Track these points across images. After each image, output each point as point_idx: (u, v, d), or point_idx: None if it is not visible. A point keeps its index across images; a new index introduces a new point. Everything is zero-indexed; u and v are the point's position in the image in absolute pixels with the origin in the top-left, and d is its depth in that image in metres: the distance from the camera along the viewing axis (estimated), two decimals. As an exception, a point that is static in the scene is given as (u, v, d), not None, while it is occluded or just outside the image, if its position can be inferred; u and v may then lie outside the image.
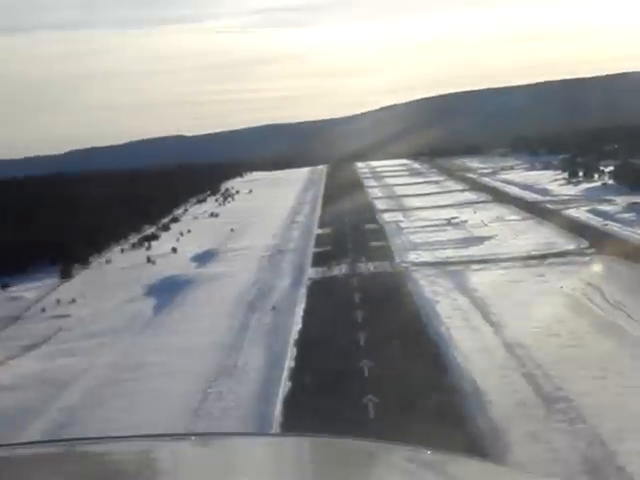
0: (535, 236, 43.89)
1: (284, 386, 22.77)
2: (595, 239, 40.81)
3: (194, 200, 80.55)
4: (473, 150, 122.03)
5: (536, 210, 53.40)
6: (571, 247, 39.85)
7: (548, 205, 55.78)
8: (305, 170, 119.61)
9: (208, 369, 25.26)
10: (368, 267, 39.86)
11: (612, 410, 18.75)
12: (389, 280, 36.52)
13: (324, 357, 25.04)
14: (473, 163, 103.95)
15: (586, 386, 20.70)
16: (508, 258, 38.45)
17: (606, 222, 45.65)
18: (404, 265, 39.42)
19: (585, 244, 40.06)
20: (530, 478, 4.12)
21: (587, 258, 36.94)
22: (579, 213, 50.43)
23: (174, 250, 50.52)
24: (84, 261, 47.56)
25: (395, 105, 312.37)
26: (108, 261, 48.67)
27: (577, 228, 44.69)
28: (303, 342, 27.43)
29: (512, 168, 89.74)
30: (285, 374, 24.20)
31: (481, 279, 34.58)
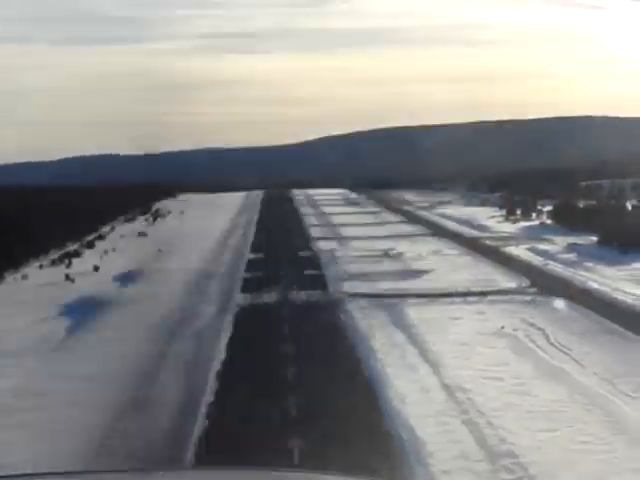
0: (474, 272, 42.27)
1: (200, 424, 20.49)
2: (536, 278, 39.36)
3: (122, 219, 77.70)
4: (410, 184, 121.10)
5: (474, 246, 51.96)
6: (512, 285, 38.26)
7: (487, 242, 54.42)
8: (240, 195, 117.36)
9: (115, 401, 22.84)
10: (300, 296, 37.76)
11: (564, 470, 16.88)
12: (321, 310, 34.45)
13: (243, 400, 22.79)
14: (410, 196, 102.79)
15: (532, 440, 18.84)
16: (447, 293, 36.70)
17: (547, 262, 44.30)
18: (338, 296, 37.39)
19: (526, 283, 38.52)
20: None
21: (528, 298, 35.34)
22: (519, 251, 49.07)
23: (96, 268, 47.83)
24: (-2, 276, 44.63)
25: (331, 137, 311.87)
26: (24, 277, 45.76)
27: (517, 266, 43.24)
28: (224, 376, 25.16)
29: (450, 203, 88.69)
30: (203, 411, 21.94)
31: (419, 314, 32.69)
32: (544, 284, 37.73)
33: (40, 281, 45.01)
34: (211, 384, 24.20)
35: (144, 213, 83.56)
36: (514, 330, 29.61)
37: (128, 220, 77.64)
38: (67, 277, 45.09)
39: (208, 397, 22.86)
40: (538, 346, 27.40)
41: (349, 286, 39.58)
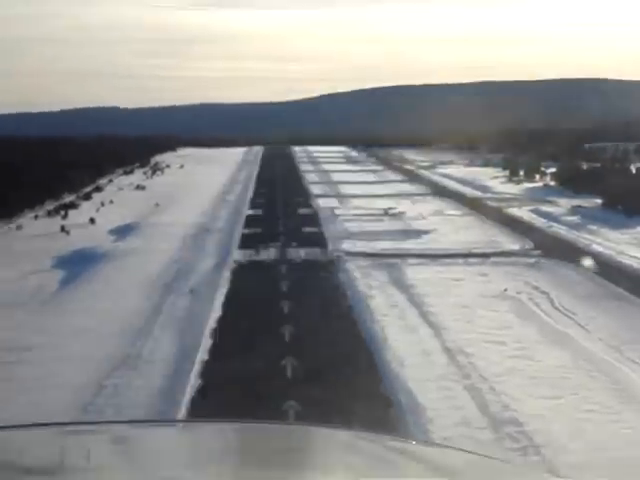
0: (476, 233, 41.50)
1: (190, 391, 19.82)
2: (540, 241, 38.57)
3: (120, 171, 76.71)
4: (412, 143, 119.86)
5: (477, 206, 51.11)
6: (515, 247, 37.49)
7: (489, 202, 53.55)
8: (240, 150, 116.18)
9: (107, 356, 22.15)
10: (299, 253, 37.03)
11: (570, 439, 16.20)
12: (320, 269, 33.74)
13: (241, 358, 22.11)
14: (411, 155, 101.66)
15: (536, 407, 18.16)
16: (448, 254, 35.93)
17: (550, 224, 43.51)
18: (337, 254, 36.64)
19: (530, 245, 37.76)
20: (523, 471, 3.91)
21: (532, 260, 34.56)
22: (522, 212, 48.24)
23: (92, 221, 47.05)
24: (-10, 226, 43.86)
25: (334, 94, 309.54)
26: (18, 227, 44.98)
27: (520, 228, 42.43)
28: (220, 332, 24.47)
29: (452, 162, 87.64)
30: (196, 368, 21.27)
31: (419, 275, 31.96)
32: (548, 246, 36.96)
33: (35, 232, 44.24)
34: (205, 343, 23.54)
35: (143, 166, 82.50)
36: (517, 293, 28.88)
37: (126, 173, 76.64)
38: (62, 229, 44.31)
39: (202, 355, 22.24)
40: (542, 310, 26.68)
41: (348, 245, 38.82)
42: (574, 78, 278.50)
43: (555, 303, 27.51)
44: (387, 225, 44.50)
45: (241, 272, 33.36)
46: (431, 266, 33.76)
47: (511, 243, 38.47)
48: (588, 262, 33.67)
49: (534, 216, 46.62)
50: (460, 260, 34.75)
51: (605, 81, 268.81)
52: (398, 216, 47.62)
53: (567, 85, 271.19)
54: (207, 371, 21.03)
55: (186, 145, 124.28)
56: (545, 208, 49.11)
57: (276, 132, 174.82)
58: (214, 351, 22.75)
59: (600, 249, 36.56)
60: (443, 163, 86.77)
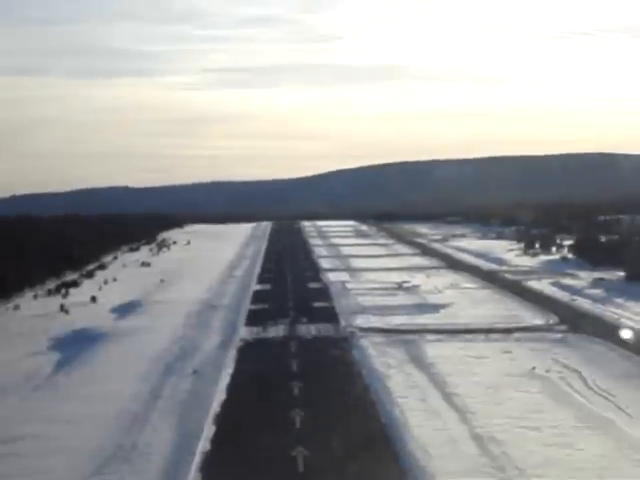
0: (496, 307, 39.35)
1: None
2: (565, 315, 36.38)
3: (126, 248, 74.98)
4: (422, 217, 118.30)
5: (494, 279, 49.02)
6: (539, 322, 35.31)
7: (506, 275, 51.45)
8: (249, 226, 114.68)
9: (99, 448, 19.98)
10: (309, 330, 34.90)
11: None
12: (333, 346, 31.56)
13: (247, 449, 19.89)
14: (422, 229, 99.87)
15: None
16: (468, 329, 33.78)
17: (574, 297, 41.34)
18: (350, 330, 34.52)
19: (554, 319, 35.56)
20: None
21: (559, 335, 32.39)
22: (542, 285, 46.06)
23: (93, 299, 45.05)
24: (-13, 306, 41.91)
25: (342, 170, 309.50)
26: (16, 307, 42.97)
27: (543, 301, 40.25)
28: (223, 420, 22.25)
29: (464, 236, 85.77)
30: (197, 459, 19.07)
31: (439, 352, 29.81)
32: (574, 321, 34.78)
33: (33, 312, 42.20)
34: (207, 432, 21.36)
35: (149, 243, 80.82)
36: (547, 371, 26.69)
37: (132, 250, 74.91)
38: (62, 308, 42.34)
39: (203, 445, 20.05)
40: (575, 390, 24.45)
41: (362, 320, 36.69)
42: (583, 152, 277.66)
43: (589, 382, 25.28)
44: (402, 299, 42.38)
45: (248, 351, 31.20)
46: (451, 342, 31.59)
47: (534, 318, 36.28)
48: (619, 337, 31.51)
49: (555, 289, 44.46)
50: (481, 336, 32.58)
51: (614, 155, 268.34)
52: (412, 290, 45.52)
53: (576, 159, 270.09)
54: (208, 465, 18.85)
55: (194, 222, 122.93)
56: (566, 281, 46.97)
57: (285, 208, 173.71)
58: (217, 441, 20.56)
59: (630, 323, 34.37)
60: (455, 236, 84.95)
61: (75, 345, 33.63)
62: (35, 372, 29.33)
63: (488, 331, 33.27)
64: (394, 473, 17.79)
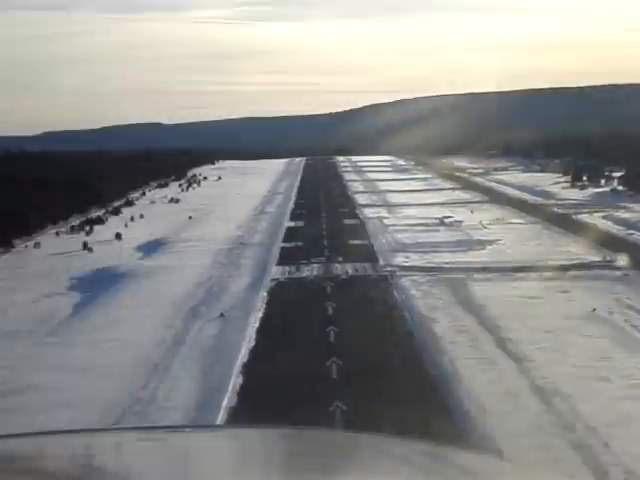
0: (547, 243, 36.57)
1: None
2: (623, 251, 33.48)
3: (155, 184, 72.65)
4: (461, 150, 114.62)
5: (542, 214, 46.09)
6: (595, 258, 32.51)
7: (555, 209, 48.49)
8: (282, 161, 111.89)
9: (113, 402, 17.74)
10: (345, 269, 32.41)
11: None
12: (371, 287, 29.08)
13: (277, 408, 17.49)
14: (462, 163, 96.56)
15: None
16: (519, 267, 31.07)
17: (630, 231, 38.44)
18: (389, 269, 31.97)
19: (612, 256, 32.71)
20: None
21: (619, 273, 29.64)
22: (594, 220, 43.11)
23: (118, 236, 42.85)
24: (6, 244, 39.74)
25: (378, 104, 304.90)
26: (36, 245, 40.88)
27: (596, 236, 37.37)
28: (252, 369, 19.91)
29: (506, 169, 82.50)
30: (222, 416, 16.81)
31: (488, 292, 27.19)
32: (634, 257, 31.89)
33: (54, 250, 40.10)
34: (234, 384, 19.06)
35: (178, 179, 78.41)
36: (609, 313, 24.04)
37: (160, 186, 72.54)
38: (85, 246, 40.19)
39: (230, 400, 17.74)
40: (646, 335, 21.84)
41: (402, 258, 34.09)
42: (623, 83, 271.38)
43: (660, 325, 22.67)
44: (444, 236, 39.68)
45: (279, 292, 28.80)
46: (501, 282, 28.94)
47: (589, 254, 33.48)
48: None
49: (609, 223, 41.52)
50: (534, 274, 29.87)
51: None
52: (455, 225, 42.78)
53: (616, 90, 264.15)
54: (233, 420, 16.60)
55: (226, 158, 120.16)
56: (619, 214, 43.96)
57: (319, 143, 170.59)
58: (244, 396, 18.26)
59: (697, 258, 31.54)
60: (497, 169, 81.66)
61: (96, 285, 31.45)
62: (51, 315, 27.18)
63: (541, 269, 30.54)
64: (448, 433, 15.32)
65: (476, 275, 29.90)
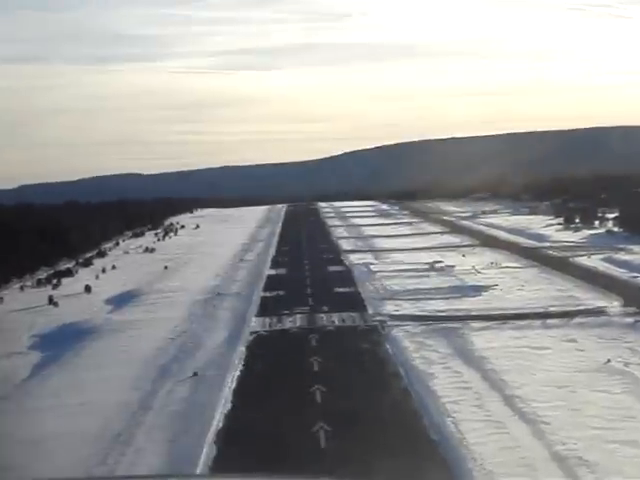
0: (547, 287, 34.15)
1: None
2: (631, 295, 31.10)
3: (130, 234, 69.98)
4: (445, 194, 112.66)
5: (537, 257, 43.80)
6: (601, 304, 30.03)
7: (550, 252, 46.14)
8: (263, 208, 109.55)
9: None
10: (331, 319, 29.88)
11: None
12: (360, 338, 26.54)
13: None
14: (448, 207, 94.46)
15: None
16: (519, 314, 28.63)
17: (634, 274, 36.07)
18: (379, 318, 29.45)
19: (619, 301, 30.31)
20: None
21: (630, 320, 27.18)
22: (593, 262, 40.76)
23: (87, 289, 40.16)
24: (-33, 299, 37.07)
25: (358, 150, 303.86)
26: (-1, 300, 38.09)
27: (598, 280, 35.06)
28: (226, 439, 17.26)
29: (494, 212, 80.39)
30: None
31: (489, 343, 24.73)
32: (643, 302, 29.49)
33: (17, 305, 37.35)
34: (207, 453, 16.44)
35: (155, 228, 75.80)
36: (625, 365, 21.62)
37: (135, 235, 69.85)
38: (50, 300, 37.43)
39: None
40: (672, 389, 19.34)
41: (392, 307, 31.58)
42: (607, 126, 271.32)
43: (685, 378, 20.19)
44: (436, 281, 37.18)
45: (259, 347, 26.16)
46: (502, 330, 26.44)
47: (594, 299, 31.04)
48: None
49: (609, 266, 39.15)
50: (537, 322, 27.42)
51: (633, 128, 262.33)
52: (447, 270, 40.31)
53: (600, 133, 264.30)
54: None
55: (206, 207, 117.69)
56: (620, 256, 41.59)
57: (299, 190, 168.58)
58: (217, 468, 15.66)
59: None
60: (484, 212, 79.55)
61: (59, 343, 28.76)
62: (6, 377, 24.50)
63: (544, 316, 28.09)
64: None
65: (473, 324, 27.41)
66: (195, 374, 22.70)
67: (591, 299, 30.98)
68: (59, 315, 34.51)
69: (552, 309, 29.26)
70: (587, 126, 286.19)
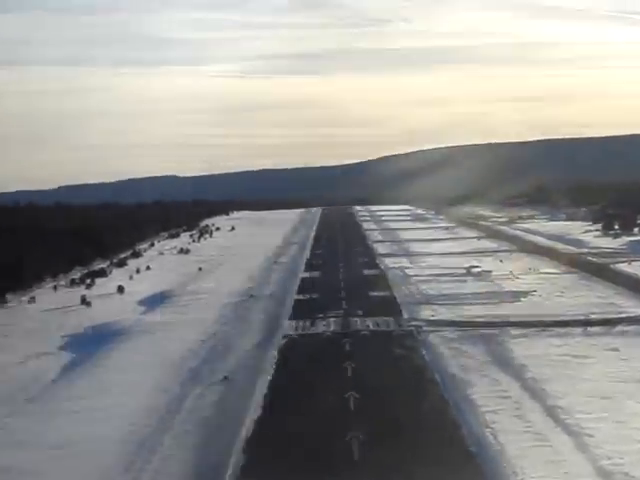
0: (587, 294, 33.29)
1: None
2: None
3: (165, 235, 69.80)
4: (482, 199, 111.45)
5: (576, 263, 42.85)
6: (644, 311, 29.11)
7: (590, 258, 45.11)
8: (298, 211, 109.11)
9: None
10: (365, 323, 29.23)
11: None
12: (395, 344, 25.85)
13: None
14: (484, 211, 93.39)
15: None
16: (559, 322, 27.81)
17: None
18: (415, 323, 28.77)
19: (663, 309, 29.38)
20: None
21: (675, 328, 26.27)
22: (634, 269, 39.70)
23: (120, 290, 39.87)
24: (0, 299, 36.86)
25: (395, 155, 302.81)
26: (31, 300, 37.84)
27: (640, 287, 34.07)
28: (256, 447, 16.66)
29: (531, 217, 79.27)
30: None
31: (528, 350, 23.97)
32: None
33: (50, 305, 37.07)
34: (236, 462, 15.87)
35: (190, 230, 75.57)
36: (673, 375, 20.73)
37: (171, 237, 69.67)
38: (83, 300, 37.16)
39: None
40: None
41: (428, 312, 30.90)
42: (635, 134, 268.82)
43: None
44: (472, 286, 36.45)
45: (292, 351, 25.58)
46: (541, 338, 25.67)
47: (636, 307, 30.14)
48: None
49: (654, 272, 38.14)
50: (577, 329, 26.61)
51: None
52: (484, 275, 39.53)
53: (636, 140, 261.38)
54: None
55: (241, 209, 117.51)
56: (664, 263, 40.55)
57: (336, 194, 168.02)
58: (247, 466, 15.11)
59: None
60: (521, 218, 78.49)
61: (89, 344, 28.42)
62: (35, 378, 24.14)
63: (585, 324, 27.27)
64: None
65: (512, 331, 26.65)
66: (225, 378, 22.20)
67: (633, 307, 30.10)
68: (91, 315, 34.21)
69: (593, 316, 28.42)
70: (623, 133, 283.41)
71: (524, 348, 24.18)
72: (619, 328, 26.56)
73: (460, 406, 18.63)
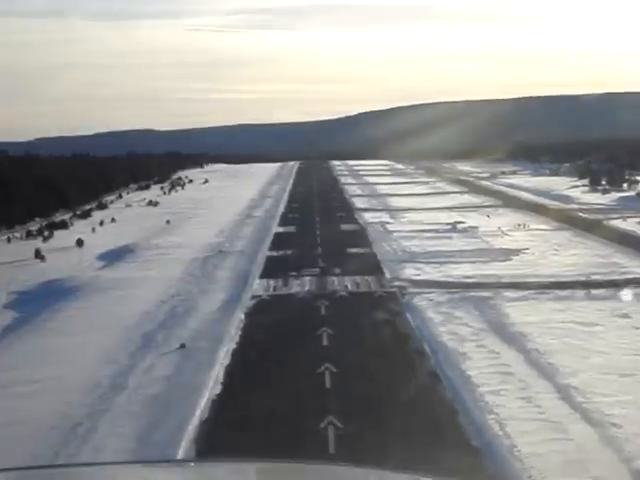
0: (585, 253, 30.58)
1: None
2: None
3: (135, 187, 66.51)
4: (461, 155, 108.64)
5: (567, 219, 40.15)
6: (651, 272, 26.43)
7: (580, 214, 42.46)
8: (275, 165, 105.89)
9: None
10: (343, 283, 26.40)
11: None
12: (377, 307, 23.03)
13: None
14: (464, 167, 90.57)
15: None
16: (559, 283, 25.08)
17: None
18: (398, 284, 25.94)
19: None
20: None
21: (689, 291, 23.60)
22: (630, 225, 37.17)
23: (79, 243, 36.88)
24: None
25: (374, 111, 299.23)
26: (-21, 253, 34.77)
27: (641, 245, 31.42)
28: (212, 432, 13.87)
29: (514, 173, 76.61)
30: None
31: (527, 316, 21.18)
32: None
33: (1, 258, 34.03)
34: (185, 446, 13.06)
35: (162, 181, 72.27)
36: (696, 346, 18.06)
37: (141, 188, 66.42)
38: (37, 254, 34.14)
39: None
40: None
41: (413, 270, 28.07)
42: (618, 92, 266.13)
43: None
44: (459, 243, 33.67)
45: (260, 314, 22.72)
46: (541, 302, 22.89)
47: (640, 266, 27.51)
48: None
49: (650, 229, 35.54)
50: (580, 292, 23.85)
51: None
52: (470, 231, 36.78)
53: (610, 98, 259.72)
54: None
55: (217, 162, 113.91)
56: (660, 220, 37.94)
57: (314, 150, 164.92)
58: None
59: None
60: (504, 173, 75.76)
61: (37, 302, 25.49)
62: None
63: (587, 285, 24.54)
64: None
65: (507, 293, 23.89)
66: (182, 346, 19.31)
67: (638, 266, 27.40)
68: (44, 270, 31.26)
69: (595, 277, 25.70)
70: (598, 91, 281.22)
71: (522, 313, 21.41)
72: (627, 290, 23.83)
73: (455, 385, 15.84)
